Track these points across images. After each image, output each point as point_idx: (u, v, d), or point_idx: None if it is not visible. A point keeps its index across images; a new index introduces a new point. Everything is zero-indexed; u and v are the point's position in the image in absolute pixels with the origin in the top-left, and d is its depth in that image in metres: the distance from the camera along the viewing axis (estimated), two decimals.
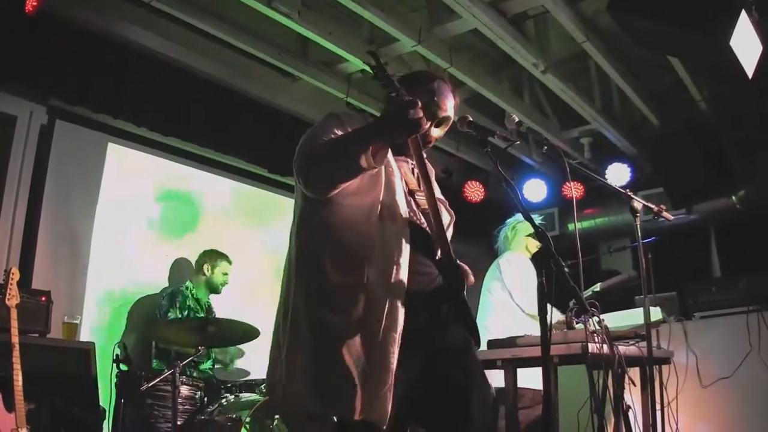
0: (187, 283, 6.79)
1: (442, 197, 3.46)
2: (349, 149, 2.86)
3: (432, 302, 3.14)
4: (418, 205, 3.22)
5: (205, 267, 6.88)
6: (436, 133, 3.31)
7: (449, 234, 3.40)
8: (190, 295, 6.64)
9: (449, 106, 3.32)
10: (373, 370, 2.85)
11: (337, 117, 3.14)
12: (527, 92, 8.46)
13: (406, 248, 3.01)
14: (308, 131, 3.17)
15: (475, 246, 8.65)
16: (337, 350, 2.86)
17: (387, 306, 2.91)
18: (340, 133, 3.03)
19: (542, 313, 2.93)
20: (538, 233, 3.03)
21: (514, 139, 3.50)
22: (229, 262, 7.02)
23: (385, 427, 2.86)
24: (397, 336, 2.90)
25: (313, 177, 3.00)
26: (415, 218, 3.15)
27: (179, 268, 7.23)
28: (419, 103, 2.76)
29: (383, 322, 2.89)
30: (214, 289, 6.90)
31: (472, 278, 3.37)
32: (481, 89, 7.58)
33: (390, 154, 3.15)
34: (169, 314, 6.38)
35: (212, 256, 6.96)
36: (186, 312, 6.48)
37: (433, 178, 3.34)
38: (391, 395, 2.85)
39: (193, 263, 7.05)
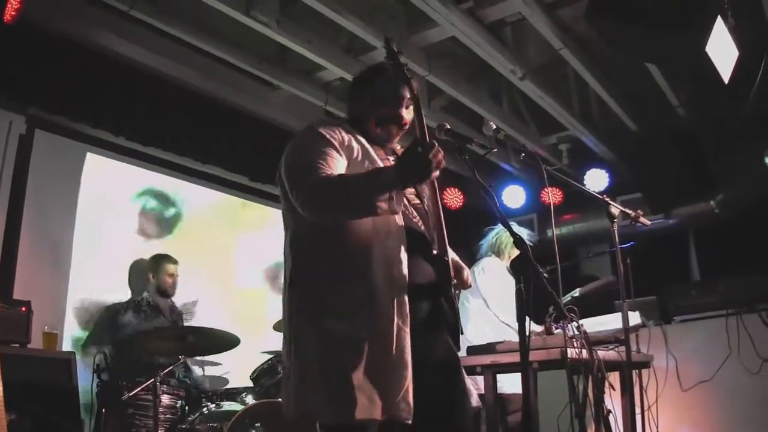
0: (144, 293, 6.74)
1: None
2: (368, 198, 2.83)
3: (428, 299, 3.15)
4: (408, 201, 3.21)
5: (150, 274, 6.81)
6: (409, 115, 3.30)
7: None
8: (146, 303, 6.60)
9: (414, 87, 3.27)
10: (392, 369, 2.89)
11: (318, 133, 3.09)
12: (505, 99, 8.49)
13: (403, 248, 3.03)
14: (293, 152, 3.15)
15: (455, 253, 8.67)
16: (352, 356, 2.88)
17: (395, 305, 2.94)
18: (330, 153, 3.02)
19: (521, 319, 2.95)
20: (515, 240, 3.05)
21: (491, 147, 3.52)
22: (174, 263, 6.87)
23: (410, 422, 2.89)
24: (408, 330, 2.94)
25: (324, 215, 3.00)
26: (407, 213, 3.15)
27: (137, 272, 7.11)
28: (437, 146, 2.75)
29: (395, 321, 2.92)
30: (163, 293, 6.77)
31: (466, 276, 3.46)
32: (460, 96, 7.61)
33: (374, 152, 3.18)
34: (122, 320, 6.37)
35: (154, 261, 6.87)
36: (142, 316, 6.46)
37: None
38: (412, 390, 2.89)
39: None
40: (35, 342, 5.61)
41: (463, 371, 3.28)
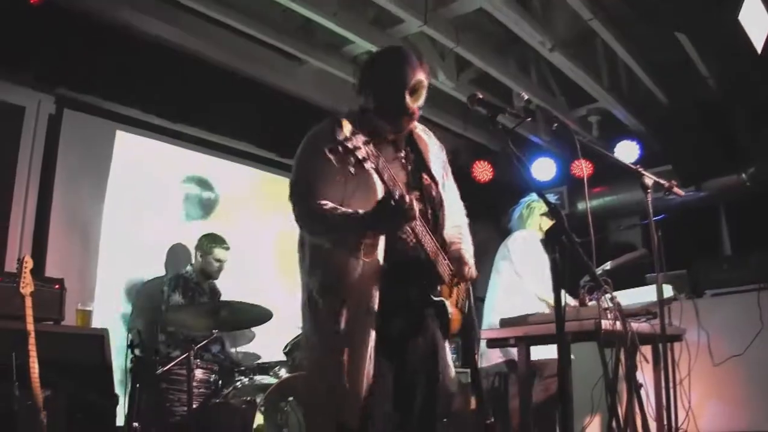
0: (188, 267, 6.76)
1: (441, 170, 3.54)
2: (346, 241, 3.03)
3: (405, 318, 3.25)
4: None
5: (198, 253, 6.75)
6: (417, 103, 3.26)
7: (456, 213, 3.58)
8: (192, 279, 6.61)
9: (416, 70, 3.24)
10: (350, 381, 3.01)
11: (321, 152, 2.75)
12: (534, 71, 8.44)
13: (379, 276, 3.10)
14: (298, 166, 3.25)
15: (484, 226, 8.65)
16: (325, 366, 3.11)
17: (361, 326, 3.05)
18: (328, 179, 3.06)
19: (557, 289, 2.93)
20: (551, 210, 3.02)
21: (524, 116, 3.48)
22: (226, 248, 6.80)
23: None
24: (368, 353, 3.03)
25: (312, 235, 3.22)
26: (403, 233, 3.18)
27: (174, 255, 7.19)
28: (407, 197, 2.80)
29: (356, 342, 3.04)
30: (208, 276, 6.73)
31: (467, 272, 3.46)
32: (488, 68, 7.56)
33: (379, 162, 2.87)
34: (171, 299, 6.34)
35: (205, 242, 6.78)
36: (190, 295, 6.46)
37: (430, 159, 3.46)
38: (363, 406, 3.01)
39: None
40: (69, 319, 5.67)
41: (447, 386, 3.38)
